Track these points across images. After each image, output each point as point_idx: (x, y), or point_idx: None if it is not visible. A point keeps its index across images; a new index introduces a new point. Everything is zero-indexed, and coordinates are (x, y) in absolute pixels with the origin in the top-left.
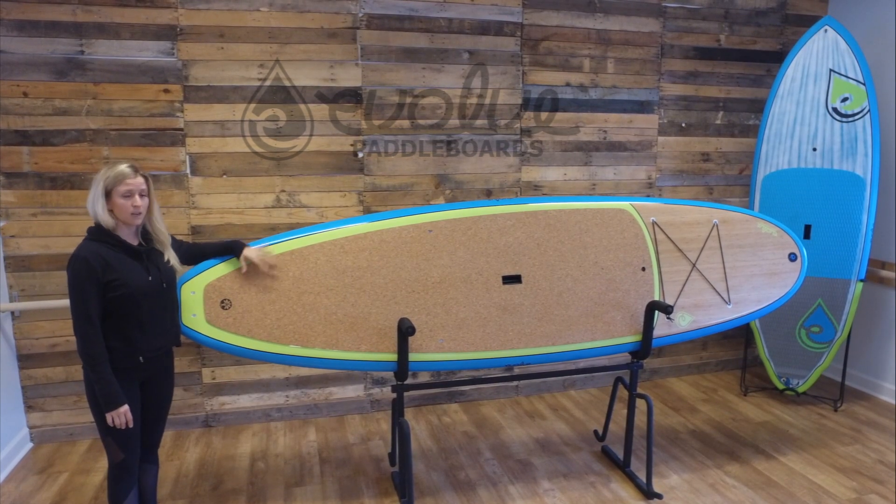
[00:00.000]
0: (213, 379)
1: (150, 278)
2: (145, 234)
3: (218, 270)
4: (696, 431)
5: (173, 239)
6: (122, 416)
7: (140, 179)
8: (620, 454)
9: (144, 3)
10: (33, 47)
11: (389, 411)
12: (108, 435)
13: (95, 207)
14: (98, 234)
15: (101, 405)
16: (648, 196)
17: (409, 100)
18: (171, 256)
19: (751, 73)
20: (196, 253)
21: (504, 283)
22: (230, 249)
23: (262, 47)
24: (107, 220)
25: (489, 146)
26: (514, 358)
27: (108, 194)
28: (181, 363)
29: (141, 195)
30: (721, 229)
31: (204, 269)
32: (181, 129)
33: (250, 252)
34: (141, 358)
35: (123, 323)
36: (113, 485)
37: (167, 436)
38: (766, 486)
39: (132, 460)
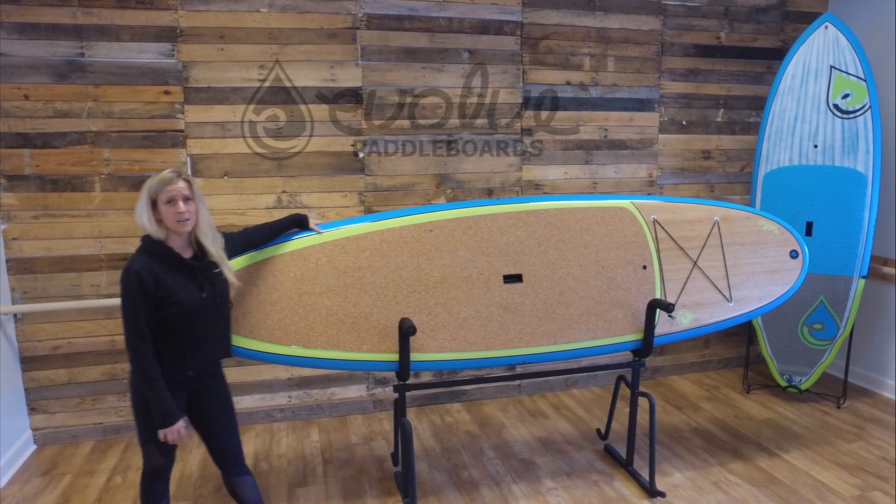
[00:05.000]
0: None
1: (203, 294)
2: (200, 245)
3: None
4: (699, 429)
5: (225, 237)
6: (175, 432)
7: (182, 184)
8: (623, 453)
9: (144, 5)
10: (34, 50)
11: (392, 411)
12: (151, 442)
13: (143, 218)
14: (150, 244)
15: (153, 419)
16: (649, 194)
17: (409, 100)
18: (226, 271)
19: (751, 70)
20: (252, 239)
21: (505, 282)
22: (297, 223)
23: (262, 48)
24: (155, 230)
25: (489, 146)
26: (516, 357)
27: (153, 204)
28: None
29: (185, 200)
30: (722, 227)
31: None
32: (182, 131)
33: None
34: (190, 372)
35: (177, 338)
36: (149, 488)
37: None
38: (770, 484)
39: (170, 465)
